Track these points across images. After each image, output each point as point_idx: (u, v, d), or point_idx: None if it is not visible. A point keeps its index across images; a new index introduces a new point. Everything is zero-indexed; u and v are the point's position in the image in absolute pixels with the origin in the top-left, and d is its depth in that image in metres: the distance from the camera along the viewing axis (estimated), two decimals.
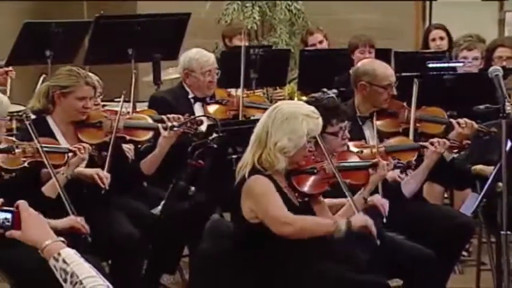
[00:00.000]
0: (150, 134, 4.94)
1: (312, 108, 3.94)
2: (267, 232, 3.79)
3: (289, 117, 3.83)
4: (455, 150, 4.85)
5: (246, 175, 3.82)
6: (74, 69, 4.74)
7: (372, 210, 4.13)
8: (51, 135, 4.60)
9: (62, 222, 4.04)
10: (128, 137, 4.88)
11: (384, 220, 4.21)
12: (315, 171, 4.01)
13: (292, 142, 3.82)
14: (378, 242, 3.99)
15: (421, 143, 4.81)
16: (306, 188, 3.96)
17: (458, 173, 4.96)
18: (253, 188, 3.82)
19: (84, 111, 4.65)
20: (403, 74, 5.35)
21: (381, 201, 4.20)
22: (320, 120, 3.90)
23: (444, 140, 4.77)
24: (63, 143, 4.59)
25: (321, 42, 7.53)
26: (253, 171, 3.82)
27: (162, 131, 4.88)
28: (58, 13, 8.56)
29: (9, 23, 7.31)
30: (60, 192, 4.17)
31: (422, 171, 4.73)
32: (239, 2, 8.71)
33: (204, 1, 8.70)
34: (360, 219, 3.90)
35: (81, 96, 4.61)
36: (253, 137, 3.90)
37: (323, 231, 3.83)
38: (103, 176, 4.50)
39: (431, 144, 4.72)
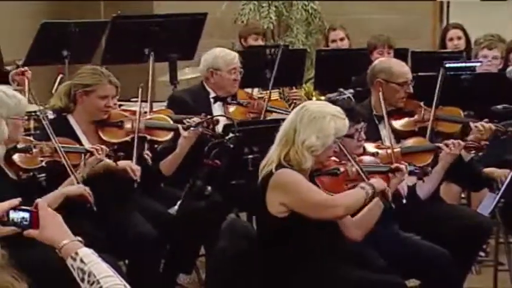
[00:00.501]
0: (170, 135, 4.95)
1: (338, 108, 3.94)
2: (293, 225, 3.78)
3: (317, 116, 3.83)
4: (473, 151, 4.81)
5: (273, 170, 3.81)
6: (97, 68, 4.78)
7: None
8: (72, 134, 4.62)
9: (73, 189, 4.13)
10: (148, 137, 4.90)
11: (404, 201, 4.20)
12: (338, 172, 4.01)
13: (320, 141, 3.81)
14: (404, 201, 4.02)
15: (436, 144, 4.78)
16: (328, 190, 3.94)
17: (474, 174, 4.94)
18: (284, 180, 3.80)
19: (106, 110, 4.67)
20: (420, 73, 5.33)
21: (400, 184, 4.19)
22: (346, 121, 3.90)
23: (459, 141, 4.73)
24: (84, 142, 4.61)
25: (342, 39, 7.51)
26: (280, 167, 3.81)
27: (182, 131, 4.89)
28: (75, 13, 8.59)
29: (26, 24, 7.33)
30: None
31: (437, 173, 4.70)
32: (255, 2, 8.70)
33: (220, 1, 8.70)
34: (380, 182, 3.92)
35: (103, 95, 4.64)
36: (279, 135, 3.89)
37: (361, 202, 3.84)
38: (135, 168, 4.54)
39: (446, 145, 4.69)
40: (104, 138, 4.68)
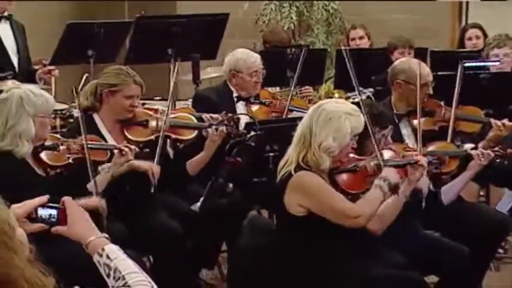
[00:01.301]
0: (194, 133, 4.96)
1: (353, 106, 3.93)
2: (312, 223, 3.78)
3: (332, 117, 3.81)
4: (498, 160, 4.74)
5: (292, 172, 3.80)
6: (123, 68, 4.79)
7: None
8: (98, 132, 4.64)
9: (91, 202, 4.08)
10: (173, 136, 4.91)
11: (423, 204, 4.18)
12: (357, 169, 4.00)
13: (336, 141, 3.80)
14: (424, 204, 3.97)
15: (467, 151, 4.72)
16: (348, 187, 3.94)
17: (499, 172, 4.91)
18: (304, 184, 3.79)
19: (131, 109, 4.69)
20: (440, 73, 5.30)
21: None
22: (362, 117, 3.88)
23: (489, 152, 4.66)
24: (109, 140, 4.64)
25: (361, 38, 7.50)
26: (299, 168, 3.80)
27: (209, 133, 4.89)
28: (100, 14, 8.63)
29: (53, 24, 7.37)
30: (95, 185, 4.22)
31: (463, 181, 4.68)
32: (276, 2, 8.70)
33: (242, 1, 8.70)
34: (394, 174, 3.90)
35: (129, 95, 4.66)
36: (296, 136, 3.88)
37: (380, 202, 3.83)
38: (156, 171, 4.56)
39: (477, 155, 4.63)
40: (129, 136, 4.70)
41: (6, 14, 6.12)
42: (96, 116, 4.72)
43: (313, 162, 3.79)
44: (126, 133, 4.71)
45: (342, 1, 8.96)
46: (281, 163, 3.90)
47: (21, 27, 6.25)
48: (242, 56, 5.71)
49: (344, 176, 3.95)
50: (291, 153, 3.86)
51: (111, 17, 7.99)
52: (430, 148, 4.70)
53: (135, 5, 8.48)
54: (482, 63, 6.08)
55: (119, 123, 4.74)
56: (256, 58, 5.74)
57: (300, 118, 4.04)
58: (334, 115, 3.81)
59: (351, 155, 4.00)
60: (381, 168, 3.95)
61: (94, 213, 4.05)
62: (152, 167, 4.57)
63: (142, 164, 4.56)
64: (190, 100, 5.99)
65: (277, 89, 6.56)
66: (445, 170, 4.57)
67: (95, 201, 4.17)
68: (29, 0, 7.57)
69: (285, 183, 3.82)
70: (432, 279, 4.37)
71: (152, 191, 4.58)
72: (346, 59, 4.26)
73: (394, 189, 3.88)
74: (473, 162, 4.63)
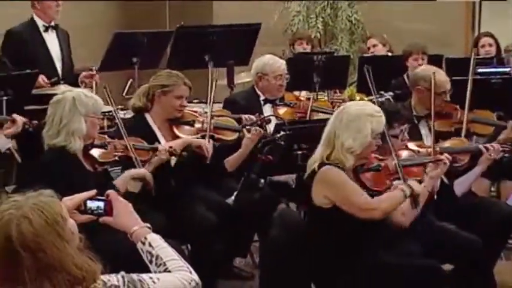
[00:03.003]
0: (235, 135, 4.98)
1: (376, 107, 3.92)
2: (336, 215, 3.76)
3: (354, 119, 3.80)
4: (507, 155, 4.72)
5: (316, 169, 3.80)
6: (173, 71, 4.83)
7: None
8: (149, 130, 4.67)
9: (137, 171, 4.27)
10: (216, 136, 4.92)
11: (435, 197, 4.16)
12: (380, 168, 3.98)
13: (357, 141, 3.78)
14: (435, 197, 4.00)
15: (478, 145, 4.70)
16: (372, 185, 3.92)
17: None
18: (329, 177, 3.78)
19: (180, 109, 4.72)
20: (455, 77, 5.26)
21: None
22: (383, 118, 3.86)
23: (498, 145, 4.65)
24: (160, 137, 4.68)
25: (374, 45, 7.52)
26: (323, 165, 3.80)
27: (246, 133, 4.90)
28: (144, 24, 8.67)
29: (101, 34, 7.41)
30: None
31: (475, 174, 4.65)
32: (304, 14, 8.69)
33: (273, 12, 8.69)
34: (419, 186, 3.90)
35: (179, 95, 4.68)
36: (323, 136, 3.87)
37: (399, 203, 3.82)
38: (209, 147, 4.64)
39: (487, 149, 4.61)
40: (178, 134, 4.74)
41: (53, 23, 6.16)
42: (147, 115, 4.74)
43: (337, 161, 3.78)
44: (175, 131, 4.74)
45: (364, 12, 8.92)
46: (309, 161, 3.90)
47: (65, 35, 6.28)
48: (269, 60, 5.73)
49: (368, 175, 3.93)
50: (317, 152, 3.86)
51: (154, 27, 8.02)
52: (445, 144, 4.69)
53: (176, 15, 8.51)
54: (494, 69, 6.02)
55: (168, 122, 4.76)
56: (281, 63, 5.76)
57: (327, 120, 4.03)
58: (355, 117, 3.80)
59: (374, 155, 3.98)
60: (400, 168, 3.93)
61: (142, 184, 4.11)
62: (206, 143, 4.64)
63: (196, 140, 4.63)
64: None
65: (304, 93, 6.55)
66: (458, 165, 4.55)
67: (143, 170, 4.22)
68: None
69: (312, 178, 3.81)
70: (447, 267, 4.33)
71: (208, 162, 4.66)
72: (367, 75, 4.27)
73: (414, 198, 3.86)
74: (483, 156, 4.61)
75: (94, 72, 6.00)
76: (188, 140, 4.66)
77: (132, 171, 4.31)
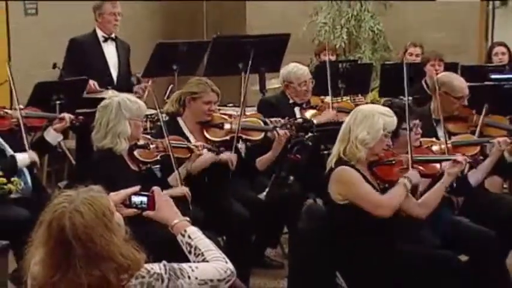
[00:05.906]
0: (261, 135, 4.97)
1: (388, 108, 3.93)
2: (353, 211, 3.76)
3: (367, 116, 3.82)
4: None
5: (333, 165, 3.82)
6: (202, 79, 4.85)
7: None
8: (181, 132, 4.69)
9: (176, 191, 4.20)
10: (244, 136, 4.93)
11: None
12: (393, 162, 3.96)
13: (370, 135, 3.79)
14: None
15: (489, 139, 4.72)
16: (386, 177, 3.92)
17: None
18: (342, 177, 3.79)
19: (209, 113, 4.73)
20: (472, 83, 5.21)
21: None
22: (394, 118, 3.87)
23: (506, 138, 4.64)
24: (192, 139, 4.68)
25: (417, 55, 7.31)
26: (339, 161, 3.81)
27: (276, 134, 4.88)
28: (184, 34, 8.71)
29: (145, 43, 7.43)
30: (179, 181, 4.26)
31: (487, 165, 4.60)
32: (330, 25, 8.68)
33: (301, 23, 8.67)
34: (416, 175, 3.88)
35: (207, 101, 4.69)
36: (339, 134, 3.90)
37: (404, 197, 3.81)
38: (234, 160, 4.62)
39: (497, 142, 4.59)
40: (208, 136, 4.75)
41: (113, 35, 6.24)
42: (180, 120, 4.76)
43: (351, 153, 3.79)
44: (205, 133, 4.76)
45: (385, 23, 8.87)
46: (328, 160, 3.92)
47: (126, 47, 6.38)
48: (293, 69, 5.74)
49: (382, 168, 3.93)
50: (335, 148, 3.88)
51: (193, 37, 8.04)
52: (455, 139, 4.69)
53: (213, 26, 8.52)
54: (507, 76, 5.96)
55: (198, 125, 4.77)
56: (305, 70, 5.76)
57: None
58: (369, 114, 3.82)
59: (390, 152, 3.96)
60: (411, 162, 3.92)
61: (181, 199, 4.11)
62: (231, 157, 4.63)
63: (223, 155, 4.61)
64: None
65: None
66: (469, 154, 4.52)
67: (182, 189, 4.22)
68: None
69: (329, 176, 3.83)
70: (462, 257, 4.29)
71: (230, 174, 4.63)
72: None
73: (413, 188, 3.85)
74: (494, 148, 4.59)
75: (146, 85, 6.06)
76: (213, 158, 4.59)
77: (171, 191, 4.22)
